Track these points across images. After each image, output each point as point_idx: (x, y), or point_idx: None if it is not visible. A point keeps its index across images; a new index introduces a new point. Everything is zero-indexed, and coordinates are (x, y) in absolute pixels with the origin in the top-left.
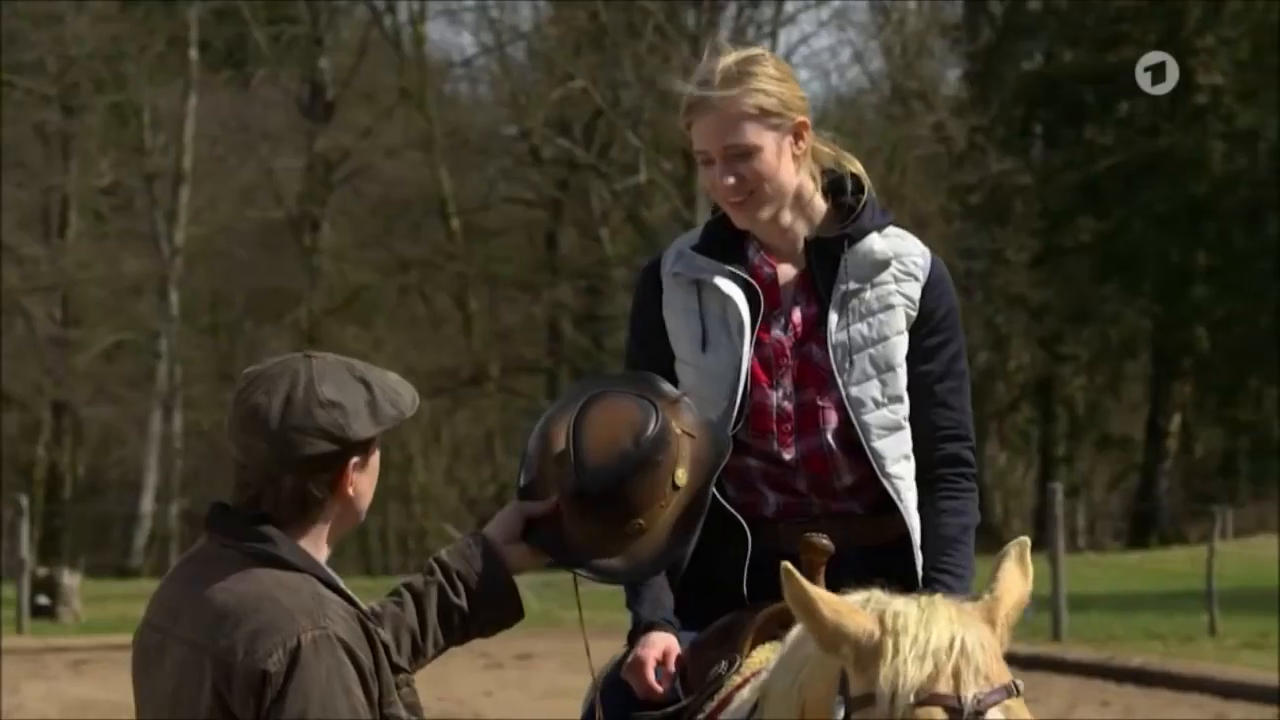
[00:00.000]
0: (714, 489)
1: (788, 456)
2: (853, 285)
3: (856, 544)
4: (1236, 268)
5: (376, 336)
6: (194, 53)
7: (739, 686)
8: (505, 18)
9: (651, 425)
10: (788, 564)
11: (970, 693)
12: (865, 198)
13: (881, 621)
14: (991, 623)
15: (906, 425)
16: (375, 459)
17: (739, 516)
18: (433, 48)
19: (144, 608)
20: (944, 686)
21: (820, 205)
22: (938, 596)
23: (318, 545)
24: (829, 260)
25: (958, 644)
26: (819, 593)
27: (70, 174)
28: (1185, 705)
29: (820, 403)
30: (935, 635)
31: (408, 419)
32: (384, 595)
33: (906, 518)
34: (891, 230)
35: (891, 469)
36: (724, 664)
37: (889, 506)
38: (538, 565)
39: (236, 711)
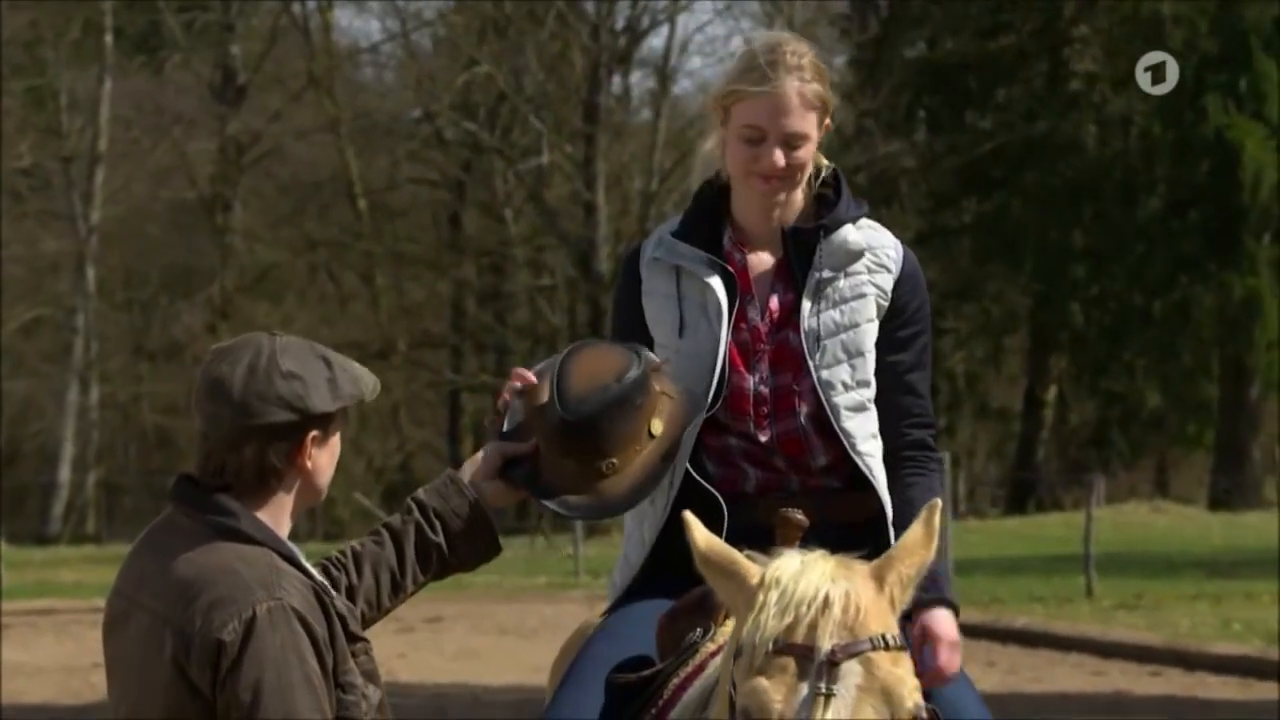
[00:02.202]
0: (692, 467)
1: (764, 439)
2: (827, 273)
3: (833, 520)
4: (1111, 247)
5: (287, 313)
6: (109, 38)
7: (713, 654)
8: (411, 5)
9: (633, 368)
10: (687, 513)
11: (826, 644)
12: (842, 191)
13: (762, 577)
14: (879, 580)
15: (872, 407)
16: (336, 440)
17: (715, 492)
18: (340, 34)
19: (64, 574)
20: (801, 637)
21: (798, 196)
22: (822, 553)
23: (278, 518)
24: (805, 250)
25: (821, 597)
26: (716, 547)
27: None
28: (1066, 664)
29: (795, 387)
30: (801, 588)
31: (367, 400)
32: (364, 536)
33: (879, 492)
34: (865, 222)
35: (861, 447)
36: (698, 631)
37: (864, 484)
38: (512, 501)
39: (194, 680)
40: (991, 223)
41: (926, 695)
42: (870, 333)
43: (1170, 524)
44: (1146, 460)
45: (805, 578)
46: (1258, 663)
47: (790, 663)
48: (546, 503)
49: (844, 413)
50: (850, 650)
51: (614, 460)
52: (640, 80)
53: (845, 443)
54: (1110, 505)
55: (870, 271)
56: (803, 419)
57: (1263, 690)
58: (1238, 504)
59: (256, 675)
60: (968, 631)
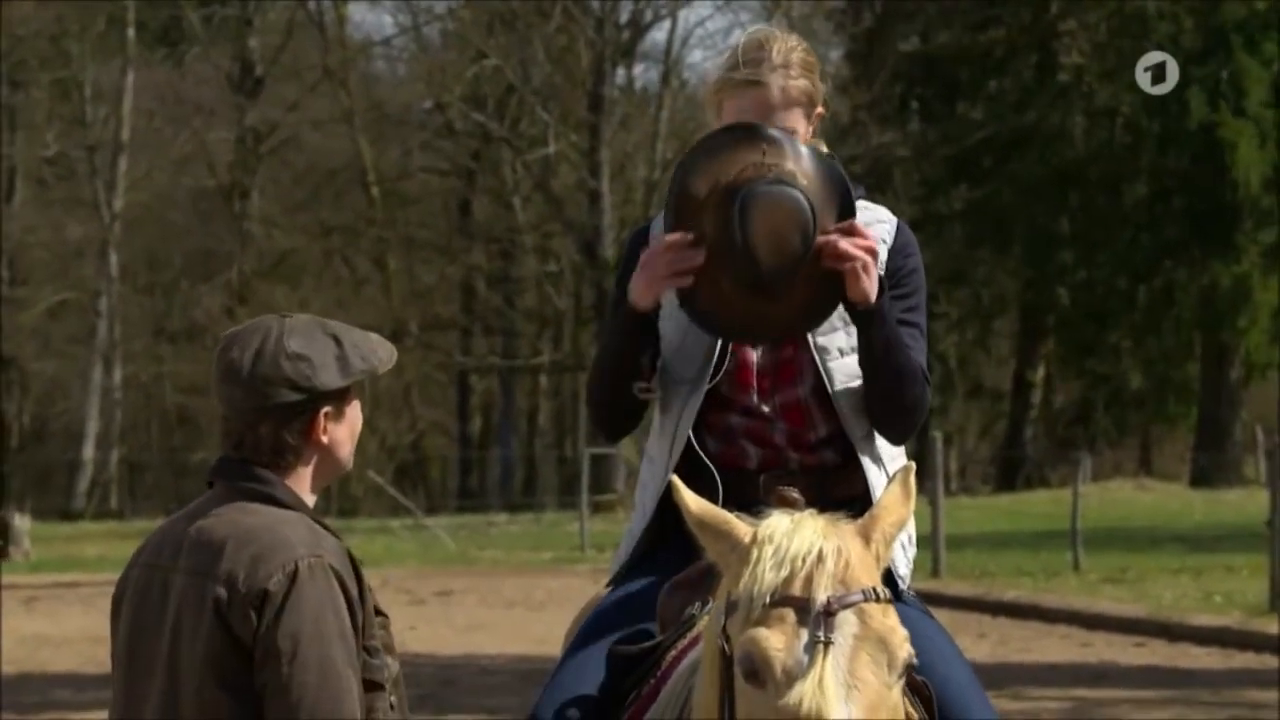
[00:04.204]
0: (695, 442)
1: (766, 408)
2: None
3: (831, 496)
4: (1097, 234)
5: (303, 296)
6: (131, 32)
7: None
8: (422, 0)
9: (811, 220)
10: (674, 477)
11: (822, 595)
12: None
13: (755, 534)
14: (865, 538)
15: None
16: (353, 410)
17: (710, 465)
18: (354, 28)
19: (88, 548)
20: (797, 590)
21: None
22: (811, 512)
23: (300, 490)
24: None
25: (815, 552)
26: (707, 508)
27: (16, 145)
28: (1054, 635)
29: (797, 357)
30: (795, 544)
31: (382, 372)
32: None
33: (864, 472)
34: (861, 204)
35: (853, 415)
36: (698, 604)
37: (858, 459)
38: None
39: (236, 628)
40: (982, 210)
41: (919, 670)
42: None
43: (1154, 500)
44: (1131, 439)
45: (798, 534)
46: (1238, 634)
47: (789, 613)
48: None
49: (839, 378)
50: (845, 601)
51: (788, 290)
52: (643, 73)
53: (836, 406)
54: (1096, 482)
55: None
56: (804, 390)
57: (1243, 660)
58: (1218, 481)
59: (296, 625)
60: (960, 604)
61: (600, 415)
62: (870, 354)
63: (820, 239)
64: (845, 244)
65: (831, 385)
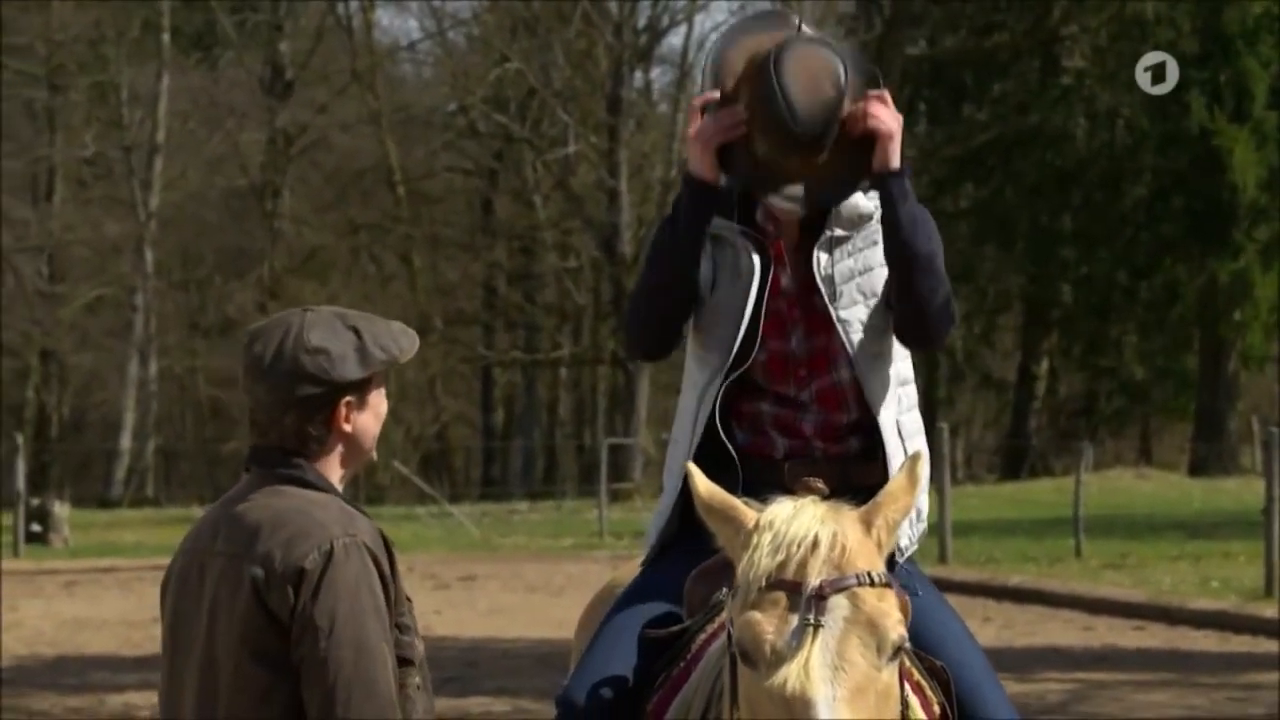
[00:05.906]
0: (723, 435)
1: (803, 397)
2: (839, 232)
3: (853, 484)
4: (1099, 231)
5: (331, 292)
6: (167, 37)
7: None
8: (447, 5)
9: (842, 69)
10: (690, 463)
11: (814, 579)
12: None
13: (758, 520)
14: (866, 524)
15: (889, 354)
16: (376, 398)
17: (731, 449)
18: (381, 33)
19: (125, 534)
20: (791, 574)
21: None
22: (814, 498)
23: (329, 475)
24: (820, 218)
25: (810, 538)
26: (716, 494)
27: (56, 146)
28: (1057, 619)
29: (830, 345)
30: (793, 530)
31: (404, 361)
32: None
33: (886, 456)
34: (875, 193)
35: (877, 391)
36: (724, 590)
37: (881, 447)
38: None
39: (273, 606)
40: (987, 208)
41: (935, 654)
42: (883, 276)
43: (1153, 489)
44: (1131, 429)
45: (797, 520)
46: (1235, 617)
47: (781, 597)
48: (774, 200)
49: (863, 356)
50: (837, 585)
51: (827, 154)
52: (660, 75)
53: (863, 385)
54: (1097, 471)
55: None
56: (839, 375)
57: (1240, 643)
58: (1216, 470)
59: (333, 603)
60: (966, 589)
61: (642, 320)
62: (896, 234)
63: (853, 105)
64: (878, 106)
65: (857, 365)
